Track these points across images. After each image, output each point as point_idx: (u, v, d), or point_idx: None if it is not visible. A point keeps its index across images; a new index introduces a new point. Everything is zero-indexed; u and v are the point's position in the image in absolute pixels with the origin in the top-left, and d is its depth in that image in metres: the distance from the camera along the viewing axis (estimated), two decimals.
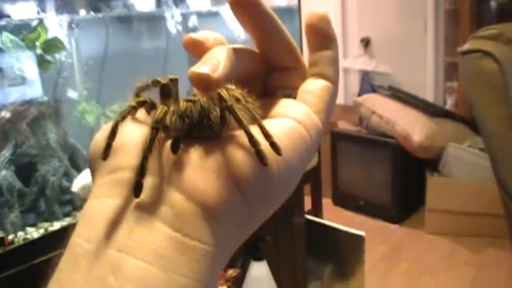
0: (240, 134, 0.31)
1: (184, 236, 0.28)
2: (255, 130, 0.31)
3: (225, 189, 0.30)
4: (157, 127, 0.30)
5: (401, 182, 2.97)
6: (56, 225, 1.33)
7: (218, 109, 0.32)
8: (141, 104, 0.34)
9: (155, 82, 0.36)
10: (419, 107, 3.11)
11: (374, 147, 3.09)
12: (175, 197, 0.29)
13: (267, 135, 0.31)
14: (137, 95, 0.37)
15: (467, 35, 2.93)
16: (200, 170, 0.30)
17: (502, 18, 2.97)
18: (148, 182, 0.29)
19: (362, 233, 1.90)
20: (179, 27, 1.90)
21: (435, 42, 3.50)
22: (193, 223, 0.28)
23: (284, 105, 0.36)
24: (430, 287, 2.24)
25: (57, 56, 1.39)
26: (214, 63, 0.33)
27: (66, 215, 1.38)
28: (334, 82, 0.37)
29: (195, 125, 0.31)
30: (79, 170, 1.43)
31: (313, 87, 0.37)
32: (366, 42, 3.79)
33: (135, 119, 0.33)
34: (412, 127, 2.91)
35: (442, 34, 3.49)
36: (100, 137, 0.33)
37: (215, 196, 0.29)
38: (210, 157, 0.30)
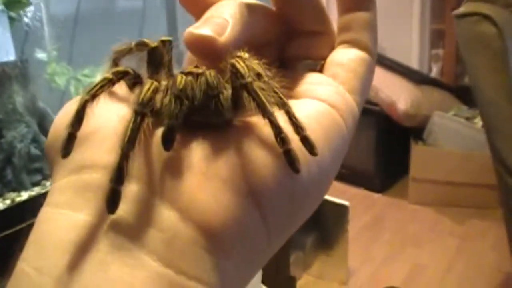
0: (258, 122, 0.23)
1: (178, 273, 0.20)
2: (280, 118, 0.23)
3: (237, 204, 0.22)
4: (142, 112, 0.22)
5: (385, 151, 2.92)
6: (24, 195, 1.26)
7: (230, 87, 0.24)
8: (121, 75, 0.25)
9: (141, 45, 0.27)
10: (404, 74, 3.06)
11: None
12: (167, 215, 0.21)
13: (298, 127, 0.23)
14: (115, 62, 0.28)
15: (455, 1, 2.87)
16: (202, 177, 0.22)
17: None
18: (130, 190, 0.21)
19: (346, 203, 1.88)
20: None
21: (421, 7, 3.43)
22: (191, 255, 0.21)
23: (310, 81, 0.28)
24: (414, 257, 2.21)
25: (22, 13, 1.28)
26: (220, 22, 0.25)
27: (35, 184, 1.30)
28: (372, 52, 0.29)
29: (198, 108, 0.23)
30: None
31: (345, 59, 0.29)
32: None
33: (111, 95, 0.25)
34: (397, 94, 2.86)
35: (429, 0, 3.42)
36: (61, 120, 0.24)
37: (222, 215, 0.21)
38: (218, 157, 0.22)
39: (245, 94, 0.23)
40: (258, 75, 0.23)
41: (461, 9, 1.33)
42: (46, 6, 1.42)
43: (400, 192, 2.80)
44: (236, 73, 0.23)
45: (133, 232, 0.20)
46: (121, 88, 0.25)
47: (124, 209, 0.21)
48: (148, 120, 0.22)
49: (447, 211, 2.55)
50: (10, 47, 1.31)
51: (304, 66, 0.30)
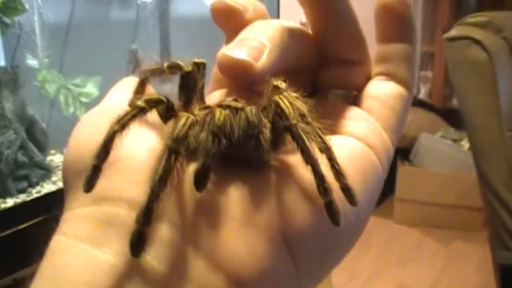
0: (297, 164, 0.22)
1: None
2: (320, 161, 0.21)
3: (271, 254, 0.20)
4: (177, 149, 0.20)
5: None
6: (10, 202, 1.24)
7: (268, 123, 0.22)
8: (154, 104, 0.23)
9: (174, 68, 0.25)
10: None
11: None
12: (197, 263, 0.19)
13: (340, 175, 0.21)
14: (143, 82, 0.26)
15: (446, 24, 2.90)
16: (237, 224, 0.20)
17: (482, 7, 2.94)
18: (159, 233, 0.20)
19: None
20: None
21: None
22: None
23: (345, 114, 0.26)
24: (399, 277, 2.21)
25: (16, 19, 1.27)
26: (257, 46, 0.23)
27: (21, 191, 1.28)
28: (409, 87, 0.27)
29: (235, 146, 0.22)
30: (36, 143, 1.33)
31: (382, 93, 0.27)
32: None
33: (141, 121, 0.23)
34: None
35: (419, 22, 3.45)
36: (82, 138, 0.23)
37: (255, 267, 0.20)
38: (255, 204, 0.21)
39: (288, 137, 0.22)
40: (302, 116, 0.22)
41: (452, 33, 1.34)
42: (39, 13, 1.42)
43: (385, 212, 2.80)
44: (280, 114, 0.22)
45: (160, 280, 0.19)
46: (151, 114, 0.24)
47: (152, 254, 0.19)
48: (182, 158, 0.20)
49: (432, 232, 2.55)
50: (0, 52, 1.30)
51: (335, 95, 0.29)
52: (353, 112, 0.26)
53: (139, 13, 1.69)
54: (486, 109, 1.19)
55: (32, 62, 1.37)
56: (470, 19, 1.34)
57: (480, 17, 1.32)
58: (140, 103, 0.22)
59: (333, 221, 0.21)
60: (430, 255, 2.39)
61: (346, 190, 0.22)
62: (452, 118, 2.84)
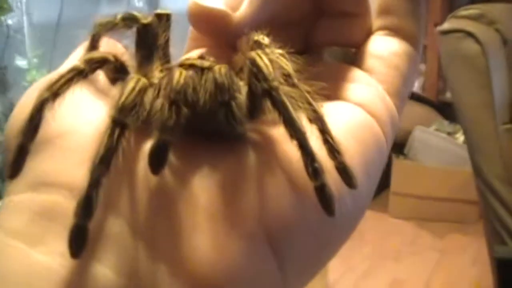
0: (281, 137, 0.18)
1: None
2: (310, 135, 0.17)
3: (248, 254, 0.17)
4: (123, 122, 0.16)
5: None
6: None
7: (245, 86, 0.18)
8: (96, 65, 0.18)
9: (129, 19, 0.21)
10: None
11: None
12: (153, 268, 0.16)
13: (335, 150, 0.17)
14: (95, 40, 0.22)
15: (438, 17, 2.89)
16: (203, 216, 0.16)
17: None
18: (108, 230, 0.16)
19: None
20: None
21: None
22: None
23: (343, 76, 0.21)
24: (394, 271, 2.20)
25: (3, 19, 1.26)
26: None
27: None
28: (417, 44, 0.23)
29: (201, 116, 0.17)
30: None
31: (385, 51, 0.23)
32: None
33: (90, 84, 0.19)
34: None
35: None
36: (19, 110, 0.19)
37: (225, 270, 0.16)
38: (226, 190, 0.17)
39: (268, 103, 0.17)
40: (286, 76, 0.18)
41: (445, 26, 1.33)
42: (28, 12, 1.40)
43: (380, 206, 2.79)
44: (257, 73, 0.17)
45: None
46: (98, 76, 0.19)
47: (97, 256, 0.16)
48: (130, 133, 0.17)
49: (427, 225, 2.55)
50: None
51: (332, 54, 0.25)
52: (351, 73, 0.22)
53: (129, 9, 1.68)
54: (479, 102, 1.18)
55: (21, 62, 1.35)
56: (463, 11, 1.33)
57: (473, 10, 1.31)
58: (78, 63, 0.18)
59: (326, 211, 0.17)
60: (425, 248, 2.39)
61: (343, 169, 0.18)
62: (446, 111, 2.83)
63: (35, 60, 1.42)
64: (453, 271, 2.19)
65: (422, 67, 3.44)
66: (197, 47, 0.23)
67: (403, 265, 2.26)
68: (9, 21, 1.32)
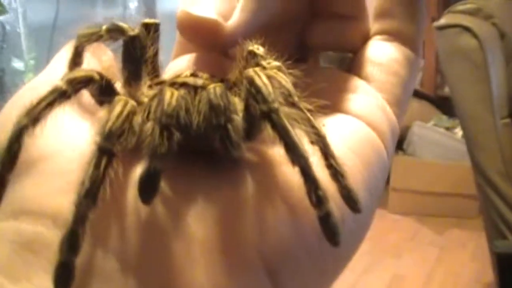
0: (279, 159, 0.17)
1: None
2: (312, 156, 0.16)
3: (247, 286, 0.15)
4: (110, 151, 0.15)
5: None
6: None
7: (241, 104, 0.17)
8: (81, 85, 0.17)
9: (115, 31, 0.20)
10: None
11: None
12: None
13: (338, 173, 0.16)
14: (79, 52, 0.20)
15: (435, 12, 2.89)
16: (196, 246, 0.15)
17: None
18: (97, 267, 0.14)
19: None
20: None
21: None
22: None
23: (341, 86, 0.20)
24: (394, 267, 2.21)
25: None
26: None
27: None
28: (417, 49, 0.22)
29: (194, 138, 0.16)
30: None
31: (384, 56, 0.22)
32: None
33: (75, 103, 0.18)
34: None
35: None
36: (7, 119, 0.17)
37: None
38: (220, 217, 0.16)
39: (268, 126, 0.16)
40: (285, 95, 0.17)
41: (442, 21, 1.33)
42: (24, 14, 1.40)
43: (380, 202, 2.80)
44: (255, 95, 0.16)
45: None
46: (82, 96, 0.18)
47: None
48: (118, 161, 0.15)
49: (427, 221, 2.55)
50: None
51: (328, 59, 0.24)
52: (350, 83, 0.21)
53: (125, 13, 1.67)
54: (478, 97, 1.18)
55: (18, 64, 1.35)
56: (460, 6, 1.33)
57: (470, 4, 1.31)
58: (60, 83, 0.17)
59: (330, 242, 0.16)
60: (425, 244, 2.39)
61: (347, 194, 0.17)
62: (445, 105, 2.83)
63: (31, 62, 1.42)
64: (453, 266, 2.19)
65: (420, 62, 3.44)
66: (185, 52, 0.22)
67: (403, 260, 2.26)
68: (5, 24, 1.31)
